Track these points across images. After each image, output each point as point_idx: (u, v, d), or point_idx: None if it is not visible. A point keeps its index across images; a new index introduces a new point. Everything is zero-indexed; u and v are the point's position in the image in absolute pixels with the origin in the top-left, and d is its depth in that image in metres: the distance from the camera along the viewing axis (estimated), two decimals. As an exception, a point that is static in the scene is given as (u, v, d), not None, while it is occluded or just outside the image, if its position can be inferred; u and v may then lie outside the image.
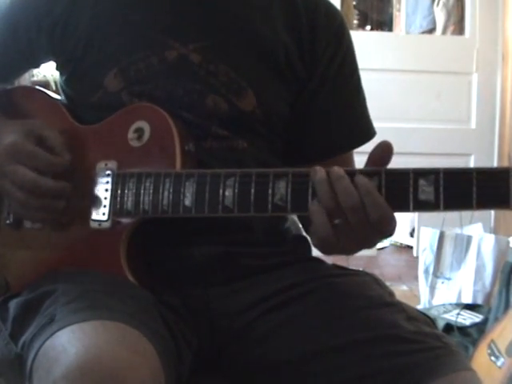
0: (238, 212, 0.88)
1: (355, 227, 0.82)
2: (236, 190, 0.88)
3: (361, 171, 0.83)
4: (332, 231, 0.82)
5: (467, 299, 2.68)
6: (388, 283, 1.05)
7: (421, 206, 0.80)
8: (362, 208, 0.80)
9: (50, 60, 1.11)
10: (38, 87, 1.13)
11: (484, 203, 0.78)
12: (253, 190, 0.87)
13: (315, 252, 1.11)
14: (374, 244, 0.88)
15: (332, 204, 0.81)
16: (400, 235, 4.03)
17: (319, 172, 0.83)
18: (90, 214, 0.96)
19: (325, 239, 0.84)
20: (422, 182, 0.80)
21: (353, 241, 0.85)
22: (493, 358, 1.92)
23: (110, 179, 0.96)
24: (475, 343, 2.13)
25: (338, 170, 0.82)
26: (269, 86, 1.04)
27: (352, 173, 0.82)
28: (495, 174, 0.78)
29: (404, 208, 0.81)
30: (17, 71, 1.17)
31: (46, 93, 1.10)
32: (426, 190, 0.80)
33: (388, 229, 0.82)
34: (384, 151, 0.83)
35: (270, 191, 0.86)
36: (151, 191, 0.92)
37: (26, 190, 0.94)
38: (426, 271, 2.83)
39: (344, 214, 0.81)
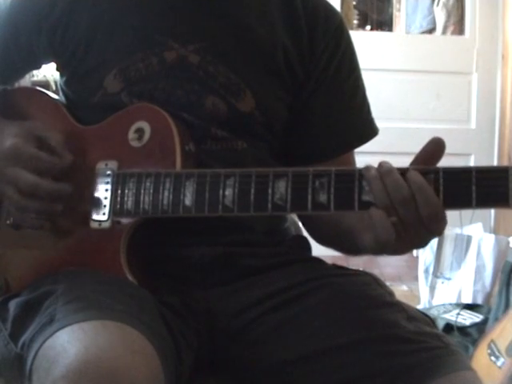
0: (238, 211, 0.88)
1: (407, 225, 0.80)
2: (236, 190, 0.88)
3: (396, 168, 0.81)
4: (393, 232, 0.81)
5: (467, 299, 2.68)
6: (388, 283, 1.05)
7: None
8: (412, 203, 0.79)
9: (50, 61, 1.11)
10: (38, 88, 1.13)
11: (483, 202, 0.78)
12: (253, 190, 0.87)
13: (315, 252, 1.11)
14: (425, 244, 0.86)
15: (386, 200, 0.80)
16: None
17: (372, 169, 0.82)
18: (90, 213, 0.96)
19: (386, 241, 0.82)
20: None
21: (405, 240, 0.83)
22: (493, 358, 1.92)
23: (110, 179, 0.96)
24: (475, 343, 2.13)
25: (386, 164, 0.81)
26: (267, 87, 1.04)
27: (402, 171, 0.81)
28: (494, 172, 0.78)
29: None
30: (18, 72, 1.17)
31: (46, 93, 1.10)
32: None
33: (439, 227, 0.81)
34: (436, 147, 0.82)
35: (269, 191, 0.86)
36: (151, 191, 0.92)
37: (26, 193, 0.93)
38: (426, 271, 2.83)
39: (396, 211, 0.80)
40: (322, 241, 1.08)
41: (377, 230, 0.82)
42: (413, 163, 0.82)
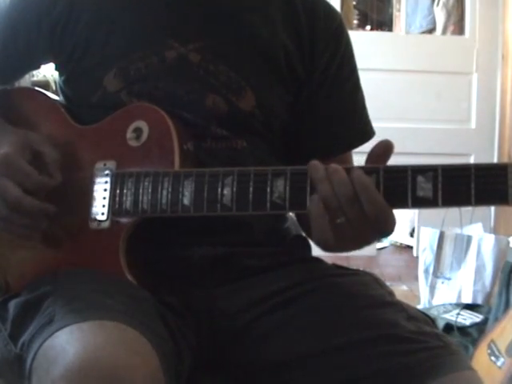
0: (237, 210, 0.88)
1: (353, 223, 0.81)
2: (234, 189, 0.88)
3: (360, 168, 0.82)
4: (331, 232, 0.82)
5: (467, 299, 2.68)
6: (388, 283, 1.05)
7: (419, 202, 0.80)
8: (357, 201, 0.80)
9: (49, 61, 1.11)
10: (37, 88, 1.13)
11: (482, 199, 0.78)
12: (251, 189, 0.87)
13: (315, 252, 1.11)
14: (373, 242, 0.87)
15: (331, 199, 0.81)
16: (400, 235, 4.03)
17: (320, 170, 0.82)
18: (89, 214, 0.96)
19: (325, 240, 0.84)
20: (420, 178, 0.80)
21: (352, 239, 0.84)
22: (493, 358, 1.92)
23: (108, 179, 0.96)
24: (475, 343, 2.13)
25: (334, 164, 0.82)
26: (268, 87, 1.04)
27: (350, 169, 0.82)
28: (493, 170, 0.78)
29: (402, 205, 0.81)
30: (17, 72, 1.17)
31: (45, 94, 1.10)
32: (424, 187, 0.80)
33: (386, 226, 0.82)
34: (385, 149, 0.83)
35: (268, 189, 0.86)
36: (150, 190, 0.92)
37: (9, 205, 0.93)
38: (426, 271, 2.83)
39: (342, 210, 0.81)
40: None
41: (314, 230, 0.84)
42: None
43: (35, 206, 0.94)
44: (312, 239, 0.98)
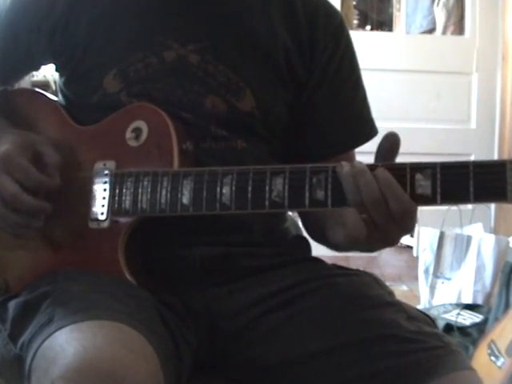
0: (236, 209, 0.88)
1: (378, 223, 0.81)
2: (233, 188, 0.88)
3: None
4: (364, 228, 0.82)
5: (467, 299, 2.68)
6: (388, 283, 1.05)
7: (418, 200, 0.80)
8: (383, 202, 0.80)
9: (49, 62, 1.11)
10: (37, 89, 1.13)
11: (481, 197, 0.78)
12: (250, 188, 0.87)
13: (315, 252, 1.11)
14: (396, 241, 0.87)
15: (358, 199, 0.81)
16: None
17: (345, 167, 0.82)
18: (88, 213, 0.96)
19: (357, 238, 0.84)
20: (418, 176, 0.80)
21: (376, 238, 0.84)
22: (493, 358, 1.92)
23: (108, 179, 0.96)
24: (475, 343, 2.13)
25: (359, 164, 0.82)
26: (267, 87, 1.04)
27: (372, 167, 0.82)
28: (492, 167, 0.78)
29: None
30: (18, 73, 1.17)
31: (45, 95, 1.11)
32: (422, 185, 0.80)
33: (410, 224, 0.82)
34: (392, 143, 0.83)
35: (267, 188, 0.86)
36: (149, 190, 0.92)
37: (6, 202, 0.93)
38: (426, 271, 2.83)
39: (367, 210, 0.81)
40: (313, 238, 1.09)
41: (348, 228, 0.84)
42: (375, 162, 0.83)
43: (32, 204, 0.94)
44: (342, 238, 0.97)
